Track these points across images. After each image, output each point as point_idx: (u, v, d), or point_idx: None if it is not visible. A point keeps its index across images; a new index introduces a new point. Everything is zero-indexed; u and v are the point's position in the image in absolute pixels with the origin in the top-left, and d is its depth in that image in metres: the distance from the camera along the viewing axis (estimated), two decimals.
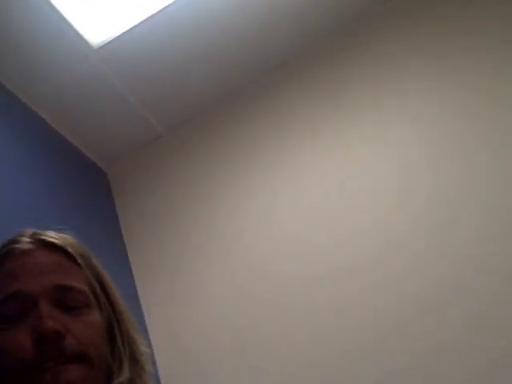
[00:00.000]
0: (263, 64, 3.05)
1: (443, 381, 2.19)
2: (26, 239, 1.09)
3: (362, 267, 2.48)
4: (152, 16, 2.62)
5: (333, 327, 2.44)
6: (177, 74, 2.92)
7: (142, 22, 2.62)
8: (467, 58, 2.69)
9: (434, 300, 2.32)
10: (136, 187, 3.13)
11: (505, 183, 2.40)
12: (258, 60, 3.02)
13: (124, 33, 2.63)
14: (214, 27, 2.78)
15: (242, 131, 3.03)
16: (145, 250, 2.93)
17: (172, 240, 2.91)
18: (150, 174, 3.14)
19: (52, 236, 1.10)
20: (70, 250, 1.09)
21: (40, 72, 2.68)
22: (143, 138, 3.16)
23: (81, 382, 0.96)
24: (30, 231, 1.12)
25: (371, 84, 2.83)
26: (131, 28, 2.62)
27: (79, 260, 1.09)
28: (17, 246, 1.07)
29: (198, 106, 3.13)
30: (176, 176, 3.08)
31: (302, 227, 2.67)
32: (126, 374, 1.05)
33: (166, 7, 2.61)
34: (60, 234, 1.13)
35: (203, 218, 2.91)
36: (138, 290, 2.81)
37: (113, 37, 2.63)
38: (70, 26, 2.52)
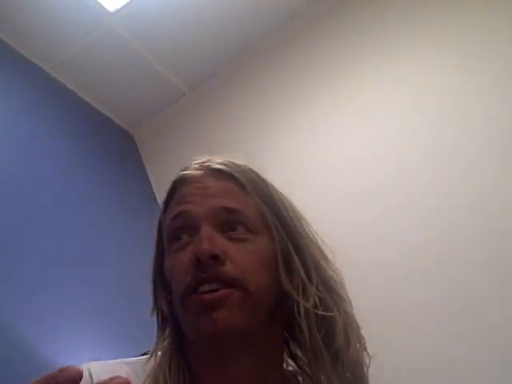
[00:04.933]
0: (284, 12, 2.99)
1: None
2: (196, 166, 1.06)
3: None
4: None
5: None
6: (195, 32, 2.90)
7: None
8: None
9: None
10: (163, 146, 3.15)
11: None
12: (278, 8, 2.96)
13: None
14: None
15: (262, 84, 3.02)
16: None
17: None
18: (176, 133, 3.16)
19: (220, 162, 1.06)
20: (237, 175, 1.04)
21: (59, 39, 2.69)
22: (167, 97, 3.16)
23: (237, 309, 0.92)
24: (200, 159, 1.08)
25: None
26: None
27: (247, 186, 1.03)
28: (186, 172, 1.05)
29: (219, 62, 3.10)
30: (201, 132, 3.09)
31: None
32: (311, 301, 0.97)
33: None
34: (230, 160, 1.07)
35: None
36: None
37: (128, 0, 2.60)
38: None
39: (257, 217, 1.00)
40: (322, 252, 1.04)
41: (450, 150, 2.52)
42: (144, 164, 3.13)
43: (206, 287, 0.92)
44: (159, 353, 0.99)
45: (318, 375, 0.98)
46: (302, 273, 0.99)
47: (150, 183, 3.05)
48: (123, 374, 0.81)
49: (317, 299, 0.97)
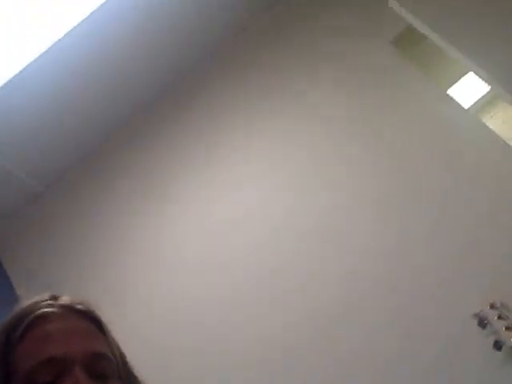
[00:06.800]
0: (132, 106, 3.09)
1: None
2: (51, 303, 1.04)
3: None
4: (12, 78, 2.62)
5: None
6: (47, 131, 2.92)
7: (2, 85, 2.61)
8: None
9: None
10: (22, 247, 3.10)
11: None
12: (124, 103, 3.07)
13: None
14: (78, 79, 2.82)
15: (114, 182, 3.09)
16: None
17: None
18: (34, 232, 3.12)
19: (77, 302, 1.06)
20: (99, 320, 1.06)
21: None
22: (22, 197, 3.13)
23: None
24: (47, 295, 1.06)
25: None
26: None
27: (104, 328, 1.06)
28: (45, 310, 1.02)
29: (74, 158, 3.13)
30: (60, 229, 3.08)
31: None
32: None
33: (24, 69, 2.62)
34: (81, 300, 1.07)
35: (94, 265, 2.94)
36: None
37: None
38: None
39: (112, 360, 1.03)
40: None
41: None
42: (4, 266, 3.06)
43: None
44: None
45: None
46: None
47: (11, 285, 2.98)
48: None
49: None
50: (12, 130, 2.83)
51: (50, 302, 1.05)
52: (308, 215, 2.64)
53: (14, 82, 2.63)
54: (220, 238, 2.75)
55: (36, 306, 1.03)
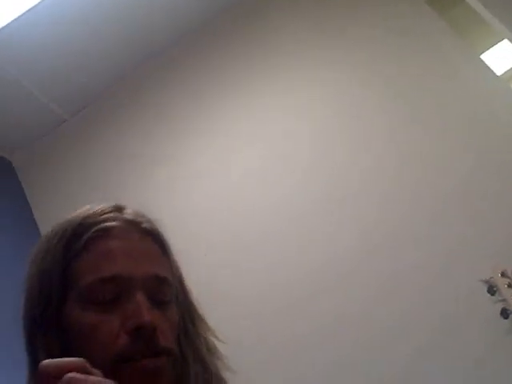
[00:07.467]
0: (157, 42, 3.07)
1: None
2: (115, 215, 1.01)
3: None
4: (38, 4, 2.59)
5: None
6: (73, 59, 2.91)
7: (28, 10, 2.59)
8: None
9: None
10: (43, 172, 3.11)
11: None
12: (150, 38, 3.04)
13: (12, 21, 2.59)
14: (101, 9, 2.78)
15: (141, 110, 3.08)
16: None
17: None
18: (57, 159, 3.13)
19: (145, 220, 1.03)
20: (162, 239, 1.04)
21: None
22: (47, 124, 3.13)
23: (166, 373, 0.94)
24: (111, 206, 1.04)
25: None
26: (19, 17, 2.59)
27: (167, 249, 1.05)
28: (110, 224, 0.99)
29: (98, 88, 3.11)
30: (84, 158, 3.08)
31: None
32: (212, 368, 1.05)
33: None
34: (145, 215, 1.05)
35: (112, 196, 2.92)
36: None
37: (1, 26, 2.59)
38: None
39: (172, 284, 1.02)
40: (206, 322, 1.11)
41: None
42: (24, 190, 3.09)
43: (143, 356, 0.92)
44: None
45: None
46: (199, 344, 1.05)
47: (30, 209, 3.01)
48: None
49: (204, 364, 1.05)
50: (40, 55, 2.82)
51: (113, 214, 1.02)
52: (331, 165, 2.65)
53: (40, 8, 2.61)
54: (248, 183, 2.77)
55: (99, 216, 1.01)
